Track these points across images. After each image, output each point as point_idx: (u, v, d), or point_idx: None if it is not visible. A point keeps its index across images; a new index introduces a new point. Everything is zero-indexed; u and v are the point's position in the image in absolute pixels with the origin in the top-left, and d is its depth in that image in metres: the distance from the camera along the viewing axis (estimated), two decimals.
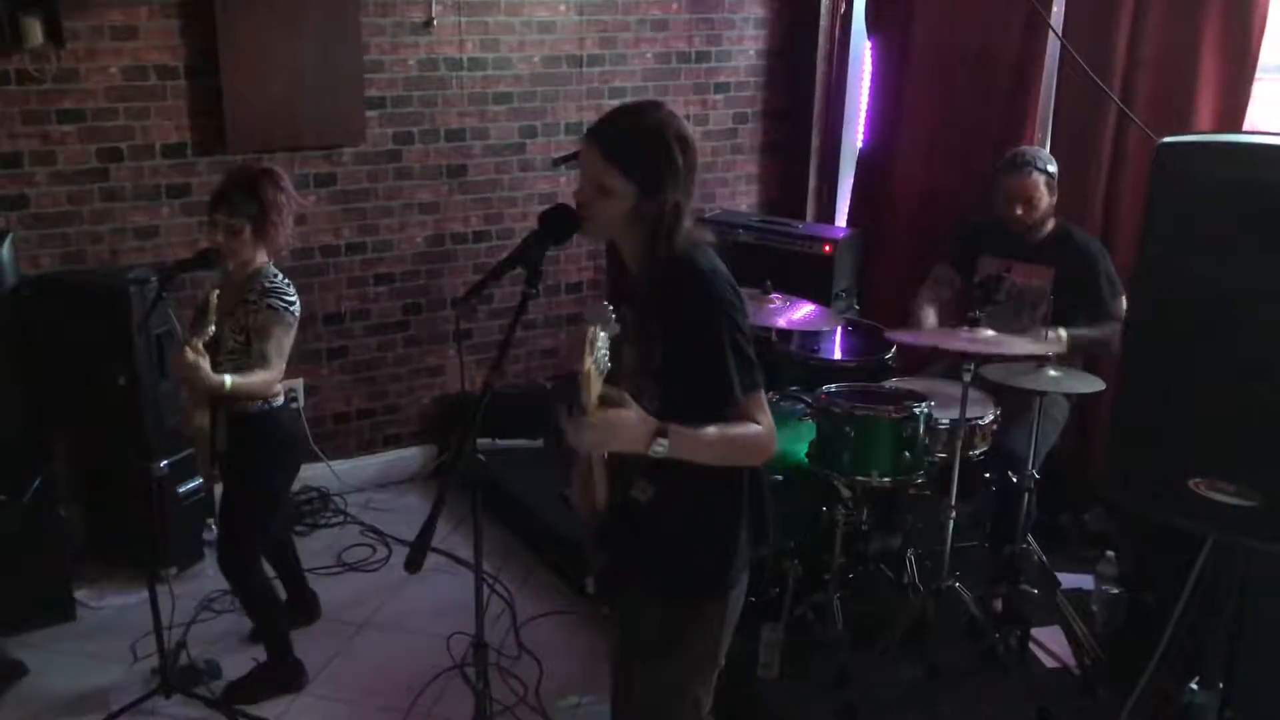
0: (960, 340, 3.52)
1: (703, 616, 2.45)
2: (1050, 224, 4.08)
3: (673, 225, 2.23)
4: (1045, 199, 4.00)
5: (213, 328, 3.30)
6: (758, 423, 2.23)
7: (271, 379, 3.45)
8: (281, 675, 3.76)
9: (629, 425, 2.08)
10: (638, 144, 2.22)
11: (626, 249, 2.33)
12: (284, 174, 3.54)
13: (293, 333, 3.51)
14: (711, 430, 2.17)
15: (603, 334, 2.01)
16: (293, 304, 3.50)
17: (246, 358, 3.44)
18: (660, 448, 2.10)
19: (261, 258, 3.52)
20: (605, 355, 2.03)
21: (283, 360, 3.48)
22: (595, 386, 2.03)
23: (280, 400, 3.59)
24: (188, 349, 3.21)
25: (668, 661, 2.47)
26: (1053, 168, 4.01)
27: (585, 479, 2.43)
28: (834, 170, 5.95)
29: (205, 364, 3.24)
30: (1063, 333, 3.79)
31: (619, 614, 2.56)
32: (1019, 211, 4.00)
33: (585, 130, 2.30)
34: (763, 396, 2.27)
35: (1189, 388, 2.55)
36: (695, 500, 2.34)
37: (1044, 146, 4.70)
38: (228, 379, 3.32)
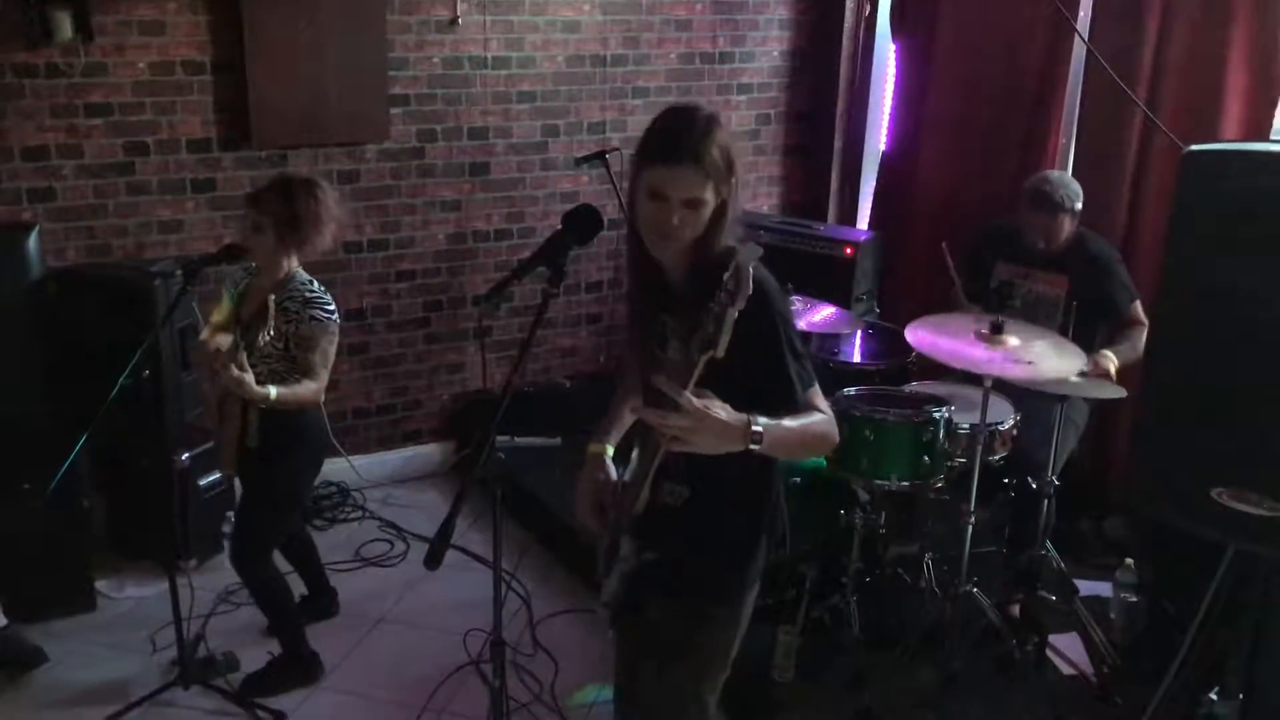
0: (980, 356, 3.43)
1: (718, 620, 2.46)
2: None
3: (727, 212, 2.23)
4: (1067, 232, 4.02)
5: (270, 334, 3.32)
6: (822, 411, 2.24)
7: (319, 389, 3.51)
8: (298, 668, 3.78)
9: (723, 419, 2.03)
10: (716, 146, 2.19)
11: (670, 256, 2.30)
12: (327, 189, 3.57)
13: (336, 340, 3.56)
14: (790, 422, 2.16)
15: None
16: (334, 313, 3.54)
17: (282, 361, 3.47)
18: (756, 442, 2.06)
19: (291, 264, 3.54)
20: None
21: (328, 370, 3.53)
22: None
23: None
24: (234, 365, 3.24)
25: (680, 663, 2.47)
26: (1079, 204, 4.00)
27: (592, 492, 2.47)
28: (856, 173, 5.94)
29: (250, 378, 3.26)
30: (1110, 356, 3.78)
31: (631, 617, 2.56)
32: (1042, 245, 4.04)
33: (658, 151, 2.20)
34: (818, 388, 2.29)
35: (1212, 396, 2.53)
36: (725, 504, 2.35)
37: (1068, 152, 4.68)
38: (272, 391, 3.35)
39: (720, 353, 1.95)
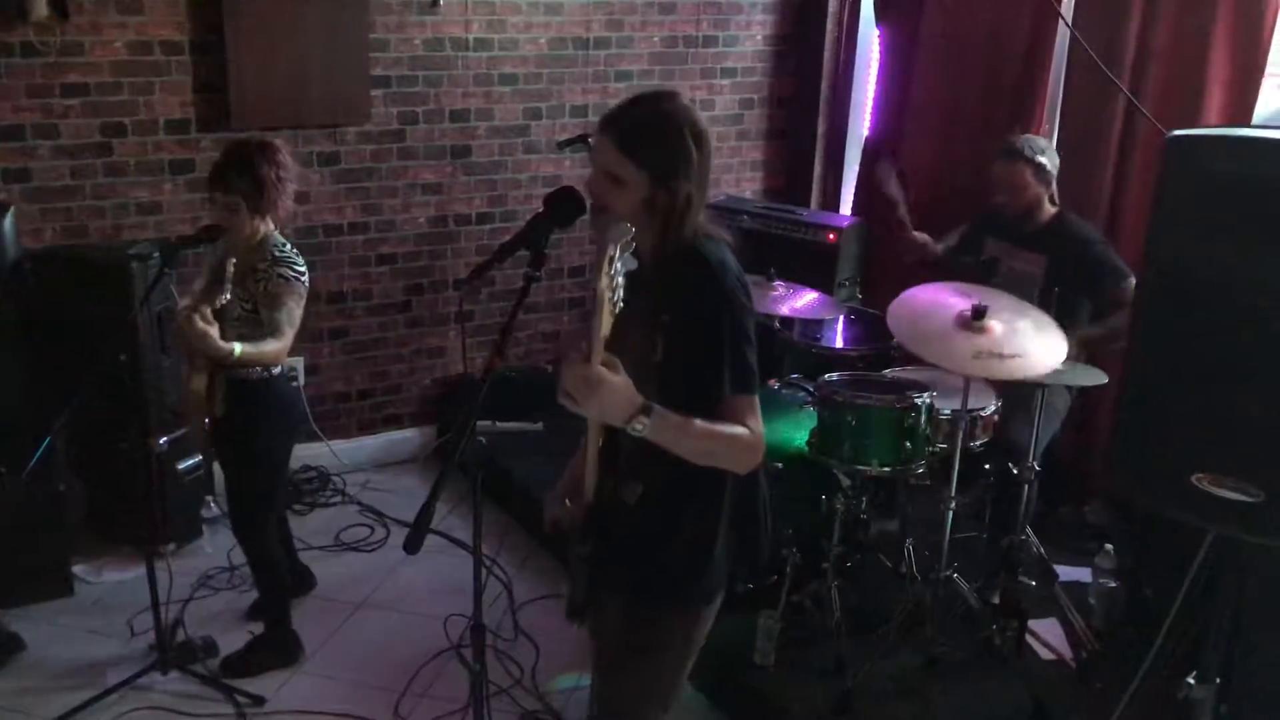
0: (963, 349, 3.33)
1: (669, 626, 2.40)
2: (1049, 212, 4.09)
3: (683, 216, 2.19)
4: (1031, 188, 4.02)
5: (227, 295, 3.30)
6: (746, 426, 2.17)
7: (282, 348, 3.48)
8: (279, 647, 3.78)
9: (617, 390, 2.00)
10: (652, 133, 2.18)
11: (639, 241, 2.29)
12: (280, 145, 3.53)
13: (304, 302, 3.53)
14: (696, 422, 2.10)
15: (619, 262, 1.92)
16: (303, 273, 3.51)
17: (253, 326, 3.45)
18: (640, 426, 2.03)
19: (267, 227, 3.52)
20: (621, 289, 1.94)
21: (293, 329, 3.50)
22: (607, 319, 1.96)
23: (279, 370, 3.60)
24: (197, 316, 3.21)
25: (630, 667, 2.44)
26: (1043, 159, 4.01)
27: (578, 481, 2.41)
28: (839, 158, 5.93)
29: (214, 332, 3.25)
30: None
31: (592, 613, 2.55)
32: (1004, 198, 4.06)
33: (600, 120, 2.26)
34: (756, 403, 2.19)
35: (1194, 382, 2.53)
36: (679, 507, 2.30)
37: (1051, 137, 4.68)
38: (236, 347, 3.33)
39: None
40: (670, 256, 2.22)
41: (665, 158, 2.17)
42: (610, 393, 2.00)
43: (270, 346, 3.43)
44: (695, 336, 2.15)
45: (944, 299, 3.51)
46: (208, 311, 3.25)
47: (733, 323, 2.18)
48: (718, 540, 2.35)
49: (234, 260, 3.35)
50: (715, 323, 2.17)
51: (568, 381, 2.00)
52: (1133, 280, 3.91)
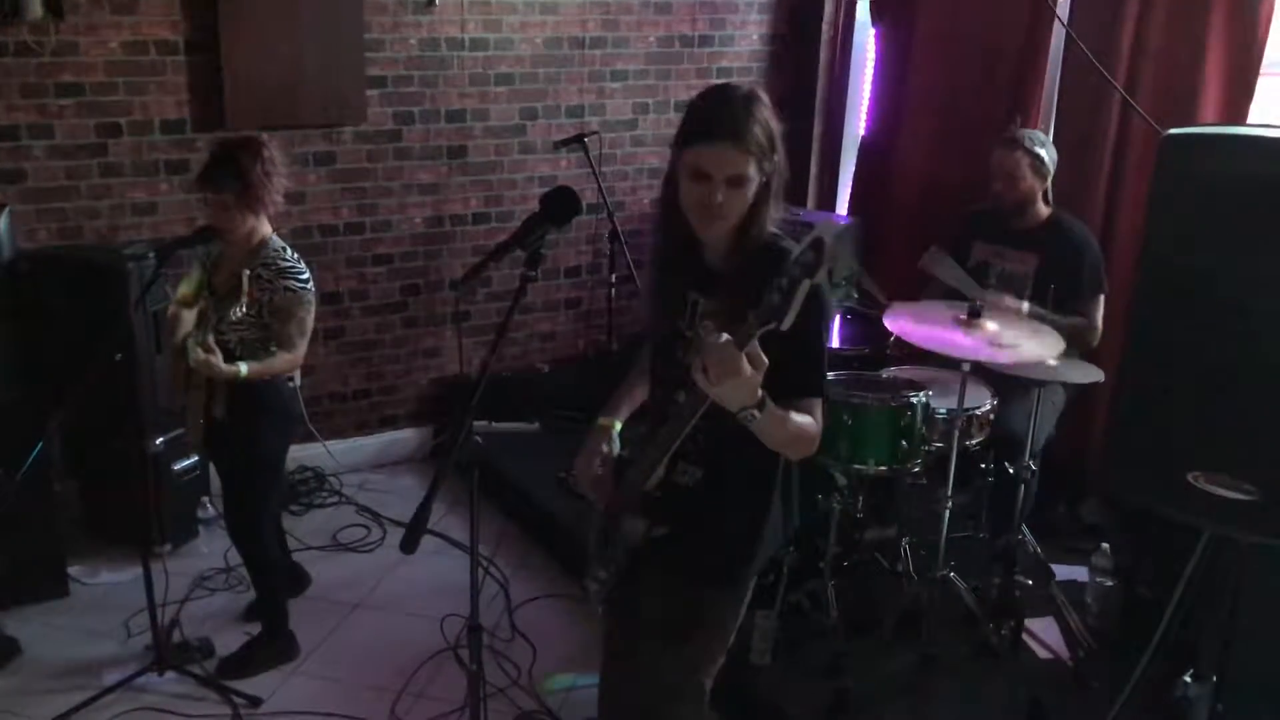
0: (963, 342, 3.42)
1: (724, 602, 2.47)
2: (1043, 212, 4.08)
3: (770, 194, 2.23)
4: (1027, 179, 4.00)
5: (243, 309, 3.30)
6: (818, 421, 2.25)
7: (296, 360, 3.50)
8: (277, 647, 3.78)
9: (750, 382, 2.01)
10: (754, 124, 2.18)
11: (714, 235, 2.29)
12: (266, 140, 3.52)
13: (313, 309, 3.53)
14: (794, 417, 2.16)
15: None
16: (308, 281, 3.51)
17: (256, 330, 3.44)
18: (752, 417, 2.06)
19: (264, 227, 3.52)
20: None
21: (306, 339, 3.52)
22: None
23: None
24: (200, 348, 3.22)
25: (685, 646, 2.49)
26: (1042, 150, 4.00)
27: (595, 462, 2.46)
28: (835, 158, 5.93)
29: (218, 359, 3.25)
30: (1025, 306, 3.80)
31: (631, 598, 2.55)
32: (999, 187, 4.04)
33: (712, 130, 2.18)
34: (821, 402, 2.30)
35: (1190, 381, 2.54)
36: (736, 488, 2.36)
37: (1047, 136, 4.68)
38: (243, 368, 3.34)
39: (786, 325, 1.95)
40: (754, 253, 2.23)
41: (768, 138, 2.20)
42: (744, 383, 2.01)
43: (282, 359, 3.45)
44: (792, 344, 2.12)
45: (938, 310, 3.61)
46: (210, 340, 3.25)
47: (824, 343, 2.27)
48: (768, 519, 2.43)
49: (249, 273, 3.34)
50: (815, 332, 2.23)
51: (714, 356, 1.99)
52: (1102, 298, 3.95)
